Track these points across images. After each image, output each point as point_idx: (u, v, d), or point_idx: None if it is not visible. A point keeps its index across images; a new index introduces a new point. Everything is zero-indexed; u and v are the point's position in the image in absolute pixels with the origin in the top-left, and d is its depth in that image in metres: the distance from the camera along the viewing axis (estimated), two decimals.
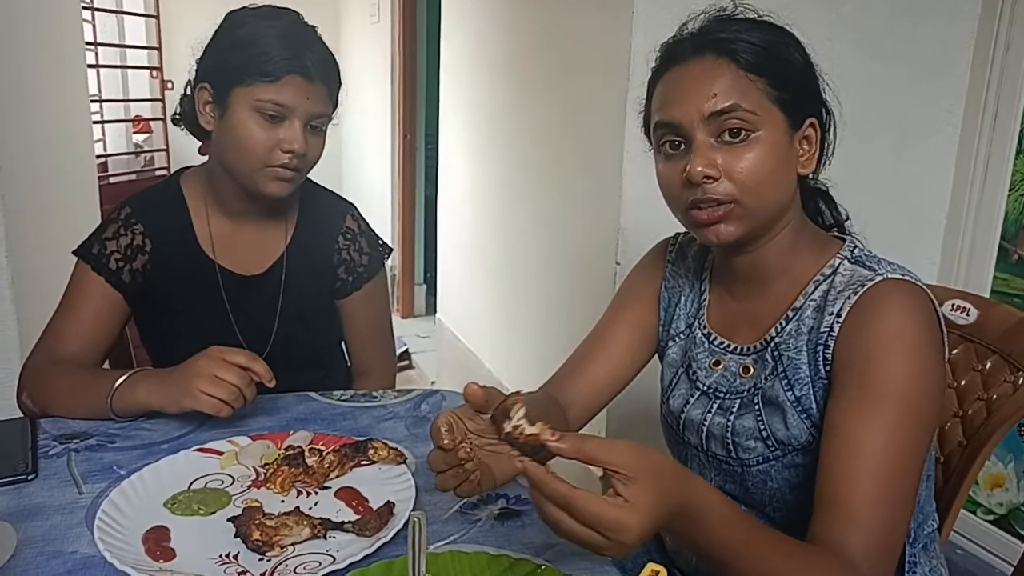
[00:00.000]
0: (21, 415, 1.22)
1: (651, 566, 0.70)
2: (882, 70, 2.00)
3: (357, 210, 1.50)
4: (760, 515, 1.01)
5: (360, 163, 5.37)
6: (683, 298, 1.13)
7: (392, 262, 4.69)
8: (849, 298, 0.91)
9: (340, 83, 1.33)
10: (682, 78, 0.93)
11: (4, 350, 1.85)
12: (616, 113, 1.97)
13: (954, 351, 1.17)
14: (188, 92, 1.34)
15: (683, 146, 0.93)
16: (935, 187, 2.12)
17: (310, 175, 1.42)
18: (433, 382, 3.82)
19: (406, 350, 4.14)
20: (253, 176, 1.27)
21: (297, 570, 0.82)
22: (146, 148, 5.09)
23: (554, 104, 2.48)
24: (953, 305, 1.18)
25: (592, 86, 2.18)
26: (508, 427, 0.76)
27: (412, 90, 4.53)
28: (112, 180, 4.44)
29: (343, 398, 1.30)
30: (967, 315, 1.16)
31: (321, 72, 1.25)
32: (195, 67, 1.31)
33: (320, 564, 0.83)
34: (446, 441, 0.83)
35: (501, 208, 2.99)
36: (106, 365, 1.44)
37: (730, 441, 1.00)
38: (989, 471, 2.01)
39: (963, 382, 1.16)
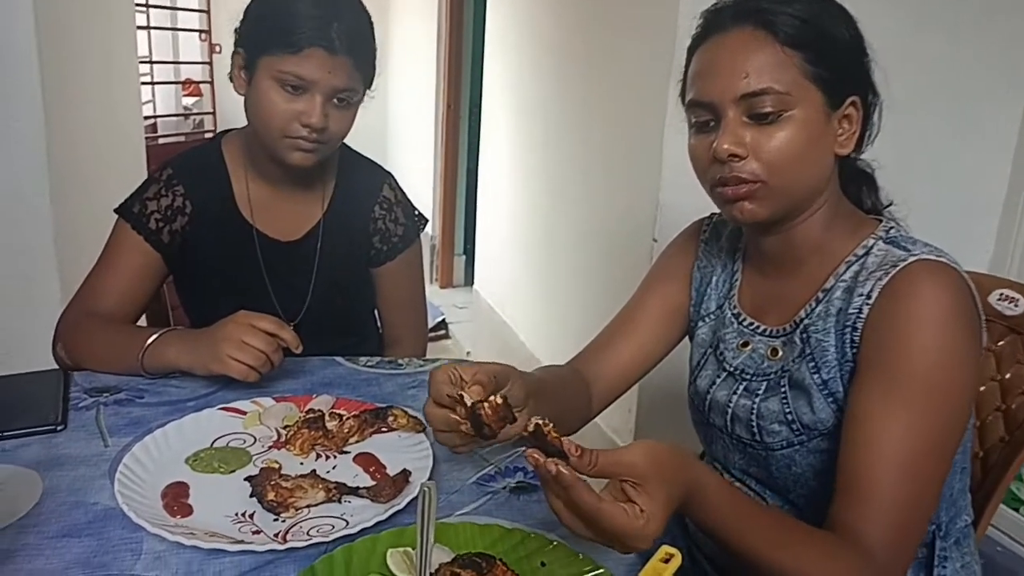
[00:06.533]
0: (56, 367, 1.25)
1: (665, 548, 0.69)
2: (941, 46, 1.91)
3: (395, 180, 1.50)
4: (784, 501, 1.00)
5: (404, 132, 5.38)
6: (715, 278, 1.10)
7: (432, 232, 4.70)
8: (880, 279, 0.88)
9: (374, 55, 1.29)
10: (718, 51, 0.91)
11: (46, 304, 1.89)
12: (659, 86, 1.92)
13: (999, 343, 1.12)
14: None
15: (713, 122, 0.91)
16: (992, 173, 2.03)
17: (352, 143, 1.41)
18: (468, 353, 3.83)
19: (443, 320, 4.15)
20: (274, 145, 1.27)
21: (310, 532, 0.82)
22: (195, 111, 5.16)
23: (598, 76, 2.44)
24: (1001, 295, 1.13)
25: (637, 58, 2.14)
26: (536, 421, 0.73)
27: (458, 60, 4.50)
28: (161, 141, 4.51)
29: (369, 364, 1.30)
30: (1015, 306, 1.12)
31: (347, 45, 1.22)
32: (235, 31, 1.31)
33: (333, 527, 0.83)
34: (446, 394, 0.83)
35: (541, 180, 2.97)
36: (143, 323, 1.47)
37: (755, 424, 0.98)
38: None
39: (1007, 375, 1.12)
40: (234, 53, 1.29)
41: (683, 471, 0.72)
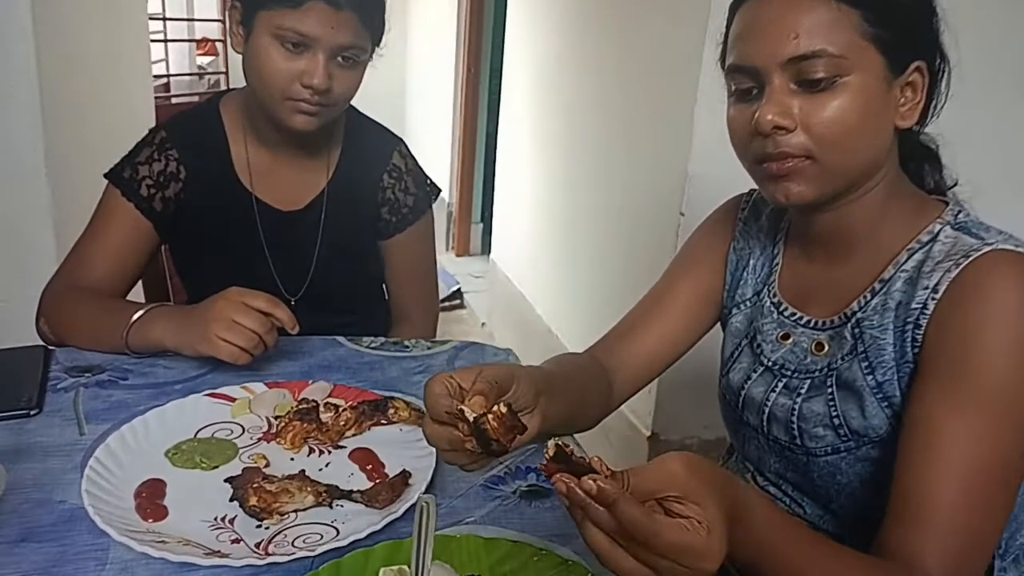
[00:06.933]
0: (40, 343, 1.17)
1: None
2: (999, 8, 1.77)
3: (406, 146, 1.40)
4: (825, 511, 0.90)
5: (422, 95, 5.24)
6: (752, 261, 0.99)
7: (449, 199, 4.60)
8: (949, 270, 0.77)
9: (383, 9, 1.20)
10: (763, 8, 0.79)
11: (41, 274, 1.81)
12: (692, 47, 1.80)
13: None
14: None
15: (756, 90, 0.80)
16: None
17: (369, 106, 1.32)
18: (484, 324, 3.75)
19: (458, 289, 4.06)
20: (274, 107, 1.18)
21: (296, 543, 0.74)
22: (210, 70, 5.05)
23: (625, 39, 2.31)
24: None
25: (668, 20, 2.01)
26: (556, 443, 0.61)
27: (479, 23, 4.36)
28: (174, 101, 4.41)
29: (372, 346, 1.21)
30: None
31: None
32: None
33: (321, 537, 0.75)
34: (445, 412, 0.69)
35: (562, 147, 2.85)
36: (141, 293, 1.39)
37: (795, 426, 0.88)
38: None
39: None
40: (231, 7, 1.20)
41: (728, 485, 0.61)
